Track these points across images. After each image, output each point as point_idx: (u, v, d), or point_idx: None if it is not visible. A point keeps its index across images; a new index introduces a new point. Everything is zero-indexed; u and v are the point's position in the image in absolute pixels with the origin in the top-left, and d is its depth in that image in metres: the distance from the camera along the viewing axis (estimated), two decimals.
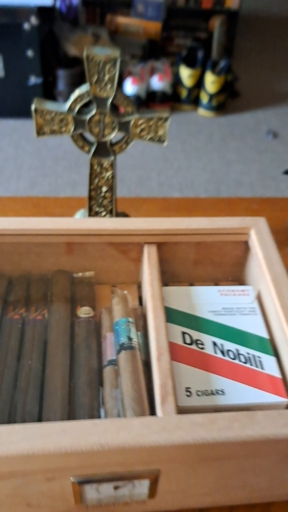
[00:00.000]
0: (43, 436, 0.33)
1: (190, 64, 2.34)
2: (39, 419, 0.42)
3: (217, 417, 0.35)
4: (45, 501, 0.39)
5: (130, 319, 0.49)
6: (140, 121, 0.58)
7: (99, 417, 0.42)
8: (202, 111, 2.41)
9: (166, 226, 0.53)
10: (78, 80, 2.20)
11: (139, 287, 0.59)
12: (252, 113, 2.48)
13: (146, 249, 0.53)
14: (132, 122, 0.58)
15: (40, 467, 0.35)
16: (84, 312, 0.52)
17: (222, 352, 0.46)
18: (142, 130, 0.59)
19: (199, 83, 2.35)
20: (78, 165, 2.02)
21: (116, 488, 0.38)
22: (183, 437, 0.34)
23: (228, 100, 2.49)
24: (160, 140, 0.60)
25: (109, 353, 0.48)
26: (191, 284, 0.60)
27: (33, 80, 2.13)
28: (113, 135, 0.59)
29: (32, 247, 0.54)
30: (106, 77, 0.55)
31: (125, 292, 0.52)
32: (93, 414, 0.43)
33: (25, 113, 2.20)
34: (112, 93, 0.56)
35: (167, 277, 0.59)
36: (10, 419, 0.42)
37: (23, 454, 0.33)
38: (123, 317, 0.49)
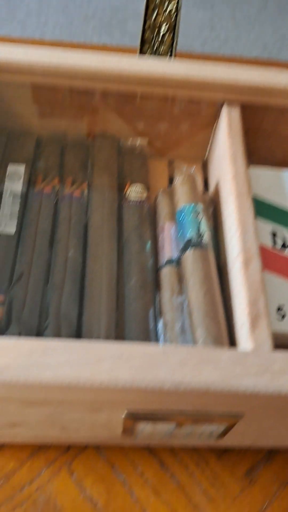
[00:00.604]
0: (93, 362, 0.23)
1: None
2: (78, 326, 0.32)
3: None
4: (84, 428, 0.30)
5: (200, 207, 0.36)
6: None
7: (155, 330, 0.32)
8: None
9: (259, 80, 0.38)
10: None
11: (204, 166, 0.45)
12: None
13: (225, 111, 0.38)
14: None
15: (85, 399, 0.25)
16: (135, 191, 0.39)
17: None
18: None
19: None
20: (110, 26, 1.75)
21: (179, 426, 0.29)
22: None
23: None
24: None
25: (168, 249, 0.36)
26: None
27: None
28: None
29: (69, 97, 0.40)
30: None
31: (193, 169, 0.39)
32: (148, 325, 0.32)
33: None
34: None
35: None
36: (41, 323, 0.32)
37: (63, 384, 0.23)
38: (191, 202, 0.36)
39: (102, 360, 0.23)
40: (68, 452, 0.36)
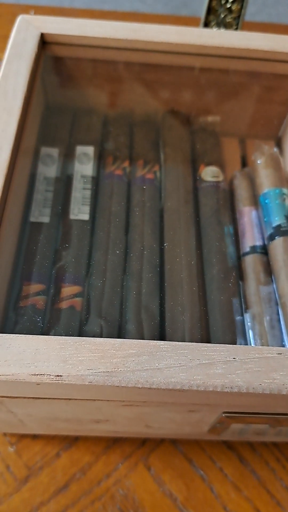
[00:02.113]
0: (205, 365, 0.21)
1: None
2: (161, 318, 0.30)
3: None
4: (169, 425, 0.29)
5: (286, 191, 0.34)
6: None
7: (242, 323, 0.30)
8: None
9: None
10: None
11: (277, 144, 0.42)
12: None
13: None
14: None
15: (188, 402, 0.23)
16: (211, 174, 0.37)
17: None
18: None
19: None
20: None
21: (274, 427, 0.27)
22: None
23: None
24: None
25: (250, 235, 0.34)
26: None
27: None
28: None
29: (140, 72, 0.37)
30: None
31: (276, 150, 0.36)
32: (233, 318, 0.30)
33: None
34: None
35: None
36: (122, 315, 0.30)
37: (174, 389, 0.21)
38: (276, 186, 0.34)
39: (214, 363, 0.21)
40: (144, 446, 0.35)
